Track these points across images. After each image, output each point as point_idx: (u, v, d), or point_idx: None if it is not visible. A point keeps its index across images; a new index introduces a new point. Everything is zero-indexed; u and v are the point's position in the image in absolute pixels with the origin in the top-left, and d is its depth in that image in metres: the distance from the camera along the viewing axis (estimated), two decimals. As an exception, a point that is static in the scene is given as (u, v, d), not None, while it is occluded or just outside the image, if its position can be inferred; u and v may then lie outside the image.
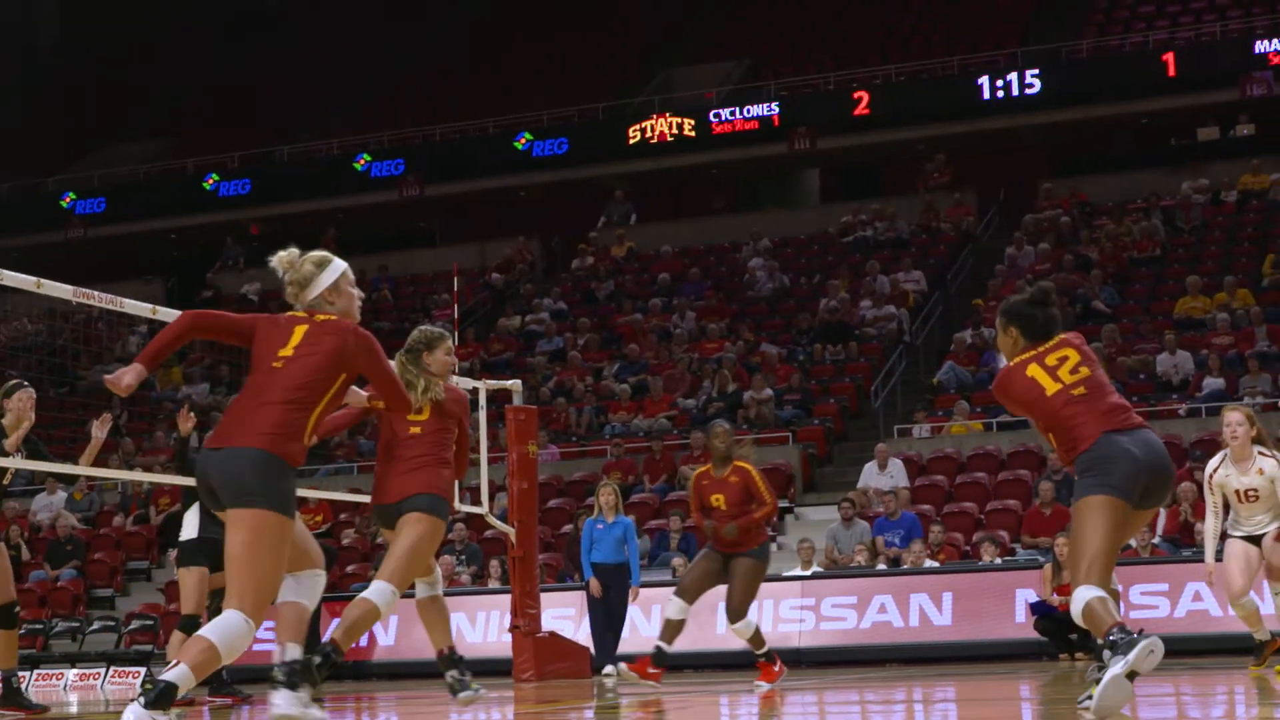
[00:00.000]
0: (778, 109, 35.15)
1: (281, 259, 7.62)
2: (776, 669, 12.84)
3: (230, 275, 38.97)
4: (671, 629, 12.92)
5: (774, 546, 22.30)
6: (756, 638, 12.95)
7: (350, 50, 46.43)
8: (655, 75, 40.80)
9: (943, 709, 8.44)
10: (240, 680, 14.63)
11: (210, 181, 40.07)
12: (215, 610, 14.09)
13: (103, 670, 21.08)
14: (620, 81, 40.63)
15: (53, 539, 25.39)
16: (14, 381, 12.04)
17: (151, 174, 42.13)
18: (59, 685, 20.94)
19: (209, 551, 13.19)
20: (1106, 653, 7.00)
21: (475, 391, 16.82)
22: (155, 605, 23.19)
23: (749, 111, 35.41)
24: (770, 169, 38.00)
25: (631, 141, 35.91)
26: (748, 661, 17.01)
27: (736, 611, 12.75)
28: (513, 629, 16.27)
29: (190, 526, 13.82)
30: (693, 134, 35.62)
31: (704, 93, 37.57)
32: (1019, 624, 17.67)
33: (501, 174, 37.32)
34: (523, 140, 37.11)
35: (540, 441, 18.88)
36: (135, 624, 22.28)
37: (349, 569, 22.70)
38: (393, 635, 19.71)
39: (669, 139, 35.70)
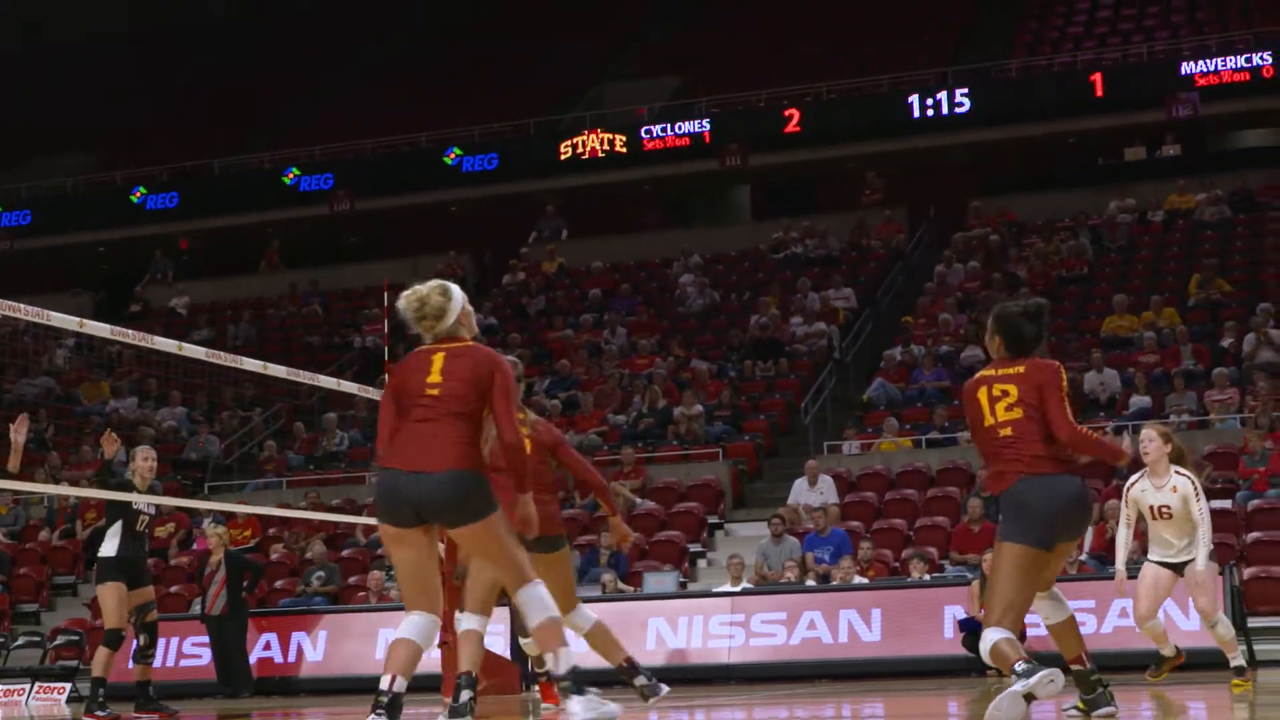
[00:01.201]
0: (709, 125, 35.27)
1: (409, 301, 8.01)
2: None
3: (159, 289, 38.72)
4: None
5: (703, 563, 22.46)
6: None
7: (282, 63, 46.31)
8: (587, 92, 40.87)
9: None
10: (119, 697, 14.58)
11: (138, 195, 39.84)
12: (139, 625, 14.07)
13: (28, 686, 20.87)
14: (552, 98, 40.68)
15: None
16: None
17: (78, 187, 41.82)
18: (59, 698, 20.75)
19: (127, 568, 13.79)
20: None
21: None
22: (81, 620, 22.98)
23: (680, 128, 35.51)
24: (701, 185, 38.10)
25: (563, 157, 35.95)
26: (695, 677, 17.07)
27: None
28: (441, 645, 16.20)
29: (110, 544, 13.87)
30: (624, 150, 35.68)
31: (636, 109, 37.65)
32: (948, 640, 17.75)
33: (431, 189, 37.28)
34: (452, 155, 37.09)
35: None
36: (61, 639, 22.08)
37: (277, 584, 22.59)
38: (321, 651, 19.62)
39: (600, 155, 35.76)
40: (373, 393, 17.52)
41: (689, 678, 17.51)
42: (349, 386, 17.62)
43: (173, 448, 28.67)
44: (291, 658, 19.68)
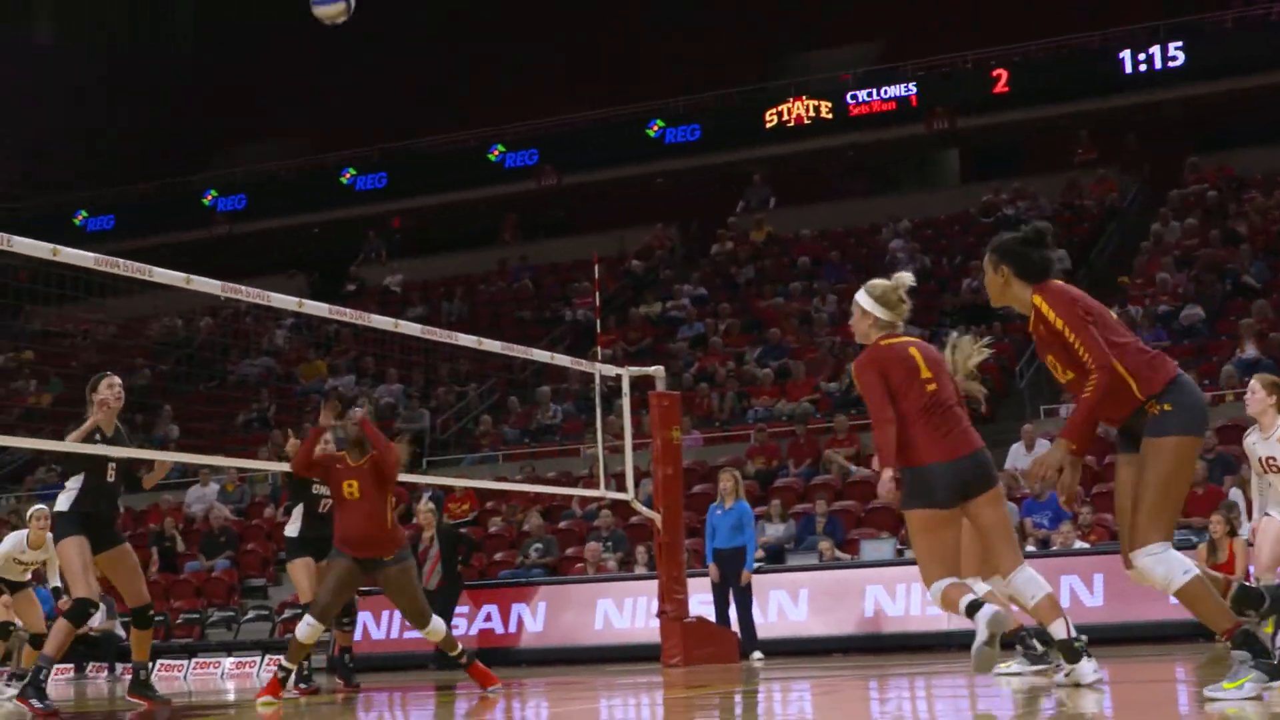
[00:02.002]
0: (915, 89, 34.94)
1: (888, 299, 8.91)
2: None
3: (373, 268, 39.39)
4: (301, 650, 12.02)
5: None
6: (449, 640, 12.35)
7: (484, 41, 46.67)
8: (789, 60, 40.65)
9: (1096, 691, 8.34)
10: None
11: (348, 176, 40.58)
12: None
13: (258, 658, 21.42)
14: (754, 67, 40.51)
15: (206, 530, 25.81)
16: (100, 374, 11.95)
17: (290, 170, 42.66)
18: (216, 673, 21.31)
19: (310, 546, 13.86)
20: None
21: (618, 378, 16.89)
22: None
23: (886, 92, 35.24)
24: (908, 150, 37.74)
25: (768, 125, 35.87)
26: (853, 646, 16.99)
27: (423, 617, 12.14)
28: (660, 614, 16.30)
29: (294, 525, 14.07)
30: (830, 116, 35.52)
31: (840, 75, 37.39)
32: (1172, 605, 17.33)
33: (636, 162, 37.44)
34: (655, 127, 37.21)
35: (684, 427, 18.86)
36: (288, 613, 22.62)
37: (496, 556, 22.85)
38: (540, 621, 19.81)
39: (806, 122, 35.62)
40: (584, 365, 17.64)
41: (907, 645, 17.40)
42: (562, 360, 17.75)
43: (390, 424, 29.14)
44: (512, 628, 19.90)
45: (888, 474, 8.08)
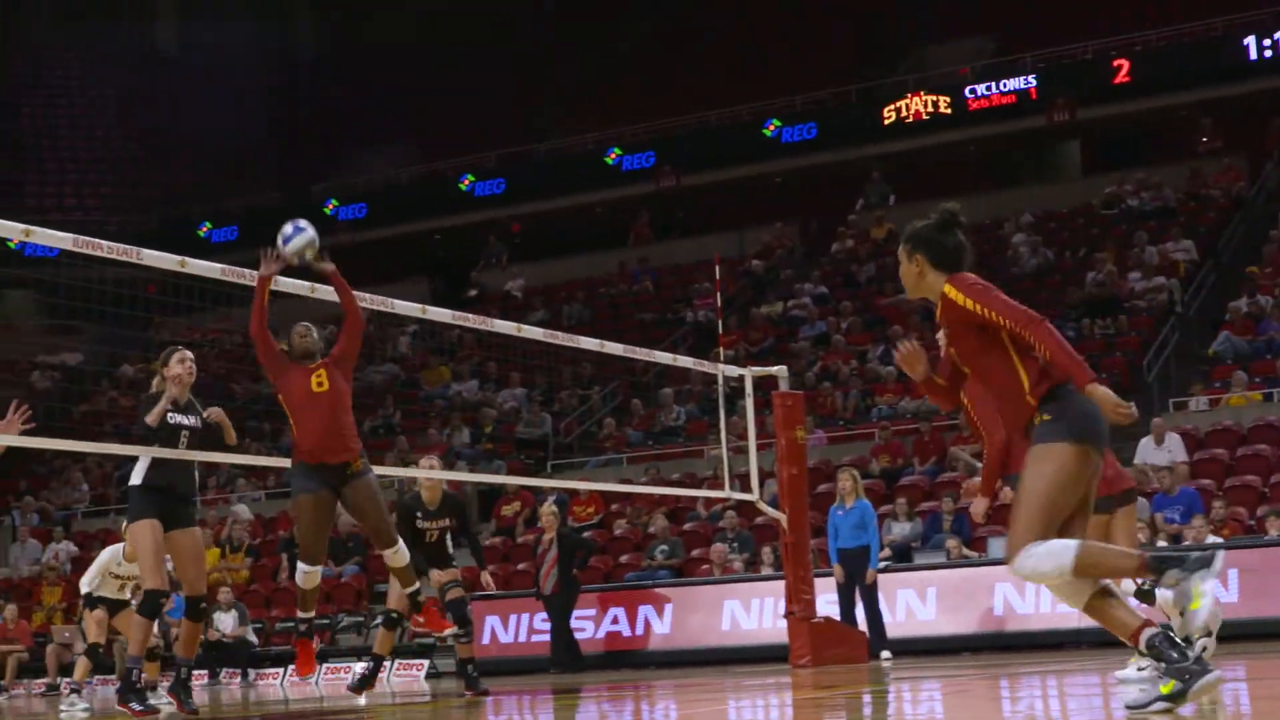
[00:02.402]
0: (1035, 81, 34.65)
1: None
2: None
3: (493, 273, 39.61)
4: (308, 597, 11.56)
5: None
6: (406, 573, 11.82)
7: (599, 44, 46.77)
8: (906, 55, 40.44)
9: (1232, 688, 8.19)
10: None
11: (466, 182, 40.88)
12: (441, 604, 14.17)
13: (388, 663, 21.54)
14: (870, 64, 40.33)
15: (334, 537, 26.04)
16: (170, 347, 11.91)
17: (409, 178, 43.01)
18: (347, 678, 21.47)
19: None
20: None
21: (741, 379, 16.86)
22: (435, 599, 23.60)
23: (1005, 85, 34.98)
24: (1029, 143, 37.40)
25: (886, 122, 35.72)
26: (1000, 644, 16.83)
27: (387, 538, 11.41)
28: (788, 615, 16.26)
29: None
30: (948, 111, 35.32)
31: (958, 69, 37.15)
32: (1310, 599, 17.08)
33: (753, 161, 37.42)
34: (771, 127, 37.16)
35: (807, 426, 18.81)
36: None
37: (622, 559, 22.89)
38: (667, 624, 19.82)
39: (925, 117, 35.46)
40: (707, 366, 17.63)
41: (1037, 643, 17.23)
42: (685, 361, 17.77)
43: (514, 428, 29.31)
44: (639, 631, 19.92)
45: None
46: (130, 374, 36.87)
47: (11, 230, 10.12)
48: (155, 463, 11.39)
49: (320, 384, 11.11)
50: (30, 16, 53.50)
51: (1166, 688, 6.52)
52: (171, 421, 11.50)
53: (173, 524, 11.34)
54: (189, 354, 11.76)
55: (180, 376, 11.52)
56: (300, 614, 11.61)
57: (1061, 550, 6.58)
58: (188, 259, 11.08)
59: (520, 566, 23.08)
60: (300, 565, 11.26)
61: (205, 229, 43.73)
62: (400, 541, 11.48)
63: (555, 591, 19.55)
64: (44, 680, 23.01)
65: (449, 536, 14.23)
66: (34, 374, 36.19)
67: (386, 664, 21.44)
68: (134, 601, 16.31)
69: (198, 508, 11.67)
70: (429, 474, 14.26)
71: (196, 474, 11.84)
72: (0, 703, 17.06)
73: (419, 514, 13.74)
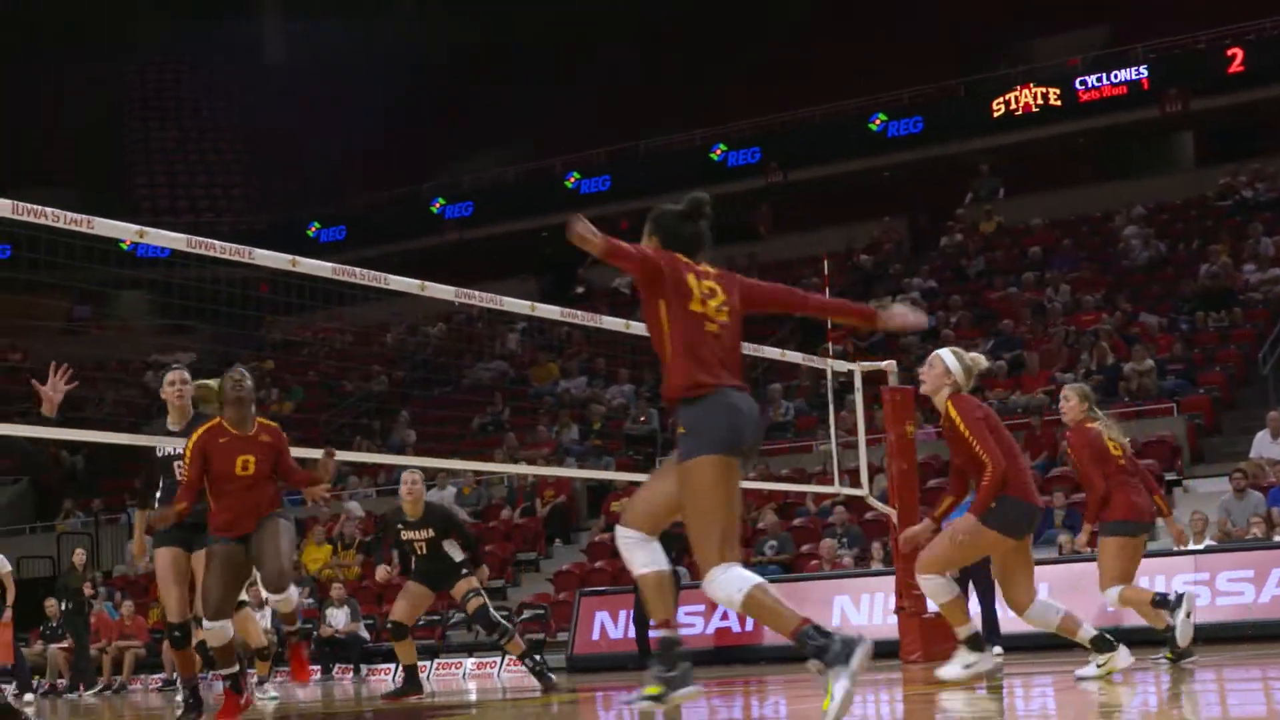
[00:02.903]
0: (1146, 72, 34.26)
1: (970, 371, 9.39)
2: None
3: (601, 270, 39.65)
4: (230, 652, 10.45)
5: (1161, 521, 21.79)
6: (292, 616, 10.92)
7: (698, 39, 46.74)
8: (1014, 47, 40.10)
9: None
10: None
11: (572, 180, 40.99)
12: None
13: (498, 659, 21.67)
14: (977, 56, 40.02)
15: (445, 533, 26.17)
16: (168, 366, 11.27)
17: (515, 176, 43.20)
18: (458, 674, 21.62)
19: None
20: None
21: (850, 374, 16.79)
22: (545, 595, 23.74)
23: (1116, 76, 34.61)
24: (1140, 134, 36.99)
25: (995, 115, 35.45)
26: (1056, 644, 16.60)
27: (277, 582, 10.10)
28: (898, 610, 16.18)
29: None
30: (1058, 103, 35.00)
31: (1067, 60, 36.80)
32: None
33: (859, 156, 37.28)
34: (877, 121, 37.00)
35: (917, 421, 18.69)
36: (527, 613, 22.86)
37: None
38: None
39: (1034, 110, 35.16)
40: (816, 362, 17.58)
41: (1153, 639, 17.00)
42: (793, 356, 17.72)
43: (622, 424, 29.35)
44: (749, 627, 19.88)
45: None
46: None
47: (126, 231, 10.25)
48: (164, 493, 10.76)
49: (246, 469, 10.02)
50: (141, 24, 54.34)
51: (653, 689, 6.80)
52: (160, 454, 10.84)
53: (197, 545, 10.52)
54: (180, 374, 10.95)
55: (170, 399, 10.82)
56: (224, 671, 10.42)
57: (733, 587, 6.66)
58: (299, 258, 11.18)
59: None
60: (206, 623, 10.11)
61: (314, 229, 44.13)
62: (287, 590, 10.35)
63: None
64: (160, 676, 23.31)
65: (444, 547, 14.04)
66: (148, 374, 36.64)
67: (499, 659, 21.59)
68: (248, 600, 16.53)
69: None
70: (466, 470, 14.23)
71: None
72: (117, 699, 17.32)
73: (400, 525, 13.80)
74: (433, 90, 50.52)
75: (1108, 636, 10.80)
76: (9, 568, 20.41)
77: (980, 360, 10.81)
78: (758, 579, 6.70)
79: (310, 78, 53.10)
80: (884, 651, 16.90)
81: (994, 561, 10.79)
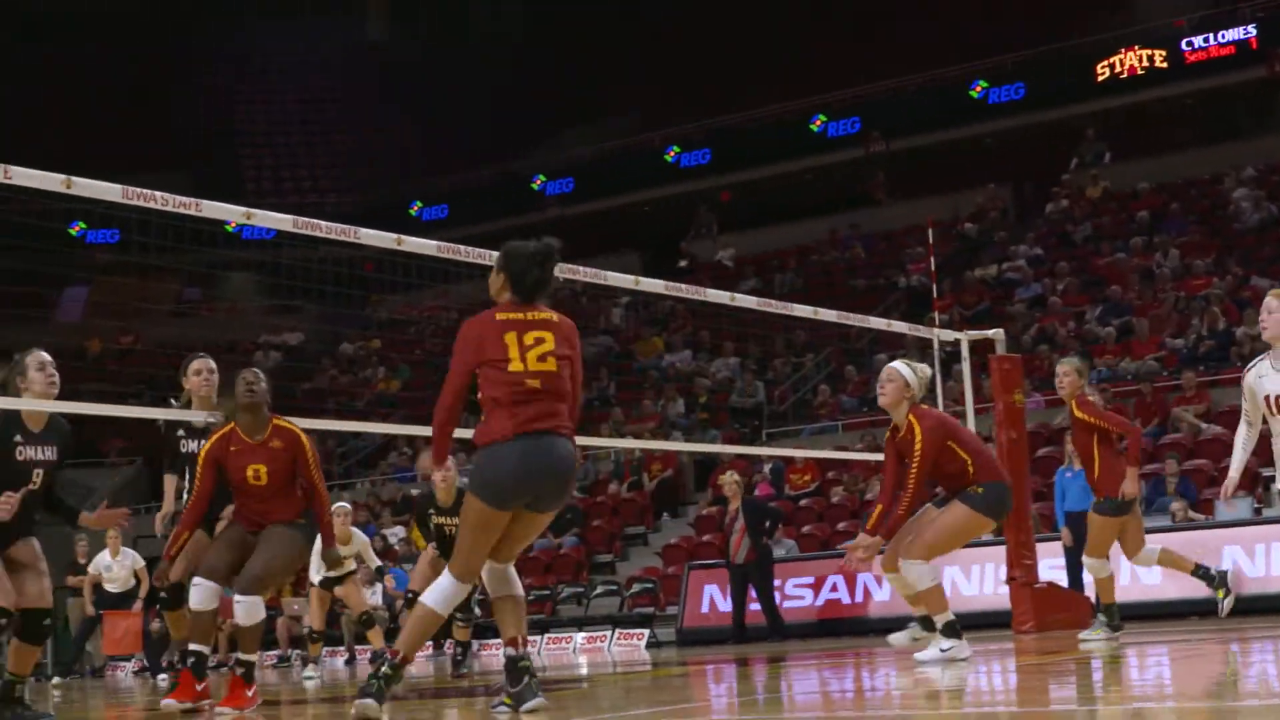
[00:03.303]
0: (1255, 31, 33.76)
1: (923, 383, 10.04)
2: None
3: (704, 243, 39.64)
4: (208, 622, 9.83)
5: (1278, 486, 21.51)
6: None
7: (802, 11, 46.51)
8: (1118, 10, 39.61)
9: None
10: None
11: (672, 154, 40.95)
12: None
13: (608, 633, 21.76)
14: (1078, 20, 39.54)
15: (550, 508, 26.26)
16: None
17: (616, 151, 43.22)
18: (568, 648, 21.71)
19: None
20: None
21: (956, 343, 16.68)
22: (654, 569, 23.78)
23: (1224, 37, 34.11)
24: (1249, 95, 36.41)
25: (1100, 78, 35.04)
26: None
27: (253, 582, 9.56)
28: (1009, 580, 16.06)
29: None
30: (1165, 65, 34.54)
31: (1173, 21, 36.30)
32: None
33: (961, 124, 37.01)
34: (978, 88, 36.70)
35: (1025, 390, 18.54)
36: (636, 587, 22.92)
37: (839, 526, 22.80)
38: (886, 590, 19.69)
39: (1140, 72, 34.72)
40: (922, 331, 17.47)
41: (1271, 608, 16.81)
42: (899, 326, 17.62)
43: (728, 398, 29.35)
44: (859, 598, 19.85)
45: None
46: (350, 351, 37.59)
47: (233, 214, 10.35)
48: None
49: (257, 478, 9.68)
50: (245, 10, 54.86)
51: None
52: (184, 451, 10.56)
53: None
54: (206, 363, 10.64)
55: (195, 388, 10.56)
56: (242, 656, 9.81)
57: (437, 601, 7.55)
58: (404, 236, 11.23)
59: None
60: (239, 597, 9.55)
61: (416, 208, 44.36)
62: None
63: (748, 560, 19.62)
64: (275, 652, 23.57)
65: None
66: (257, 354, 37.02)
67: (608, 633, 21.65)
68: (357, 572, 16.82)
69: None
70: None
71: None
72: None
73: (433, 510, 13.86)
74: (533, 66, 50.59)
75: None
76: (142, 563, 20.75)
77: (928, 370, 11.28)
78: (437, 604, 7.49)
79: (411, 56, 53.34)
80: (996, 622, 16.82)
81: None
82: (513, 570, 7.82)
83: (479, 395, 7.48)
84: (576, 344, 7.70)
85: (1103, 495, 12.40)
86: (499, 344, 7.43)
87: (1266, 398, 9.55)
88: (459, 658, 14.67)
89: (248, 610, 9.46)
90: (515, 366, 7.38)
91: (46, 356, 9.21)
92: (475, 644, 22.16)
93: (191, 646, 9.65)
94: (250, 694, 9.49)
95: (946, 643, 10.58)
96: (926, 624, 10.98)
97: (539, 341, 7.47)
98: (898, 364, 11.22)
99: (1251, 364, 9.85)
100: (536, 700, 7.40)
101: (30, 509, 8.95)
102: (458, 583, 7.53)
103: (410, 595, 14.15)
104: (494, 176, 44.82)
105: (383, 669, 7.47)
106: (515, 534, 7.58)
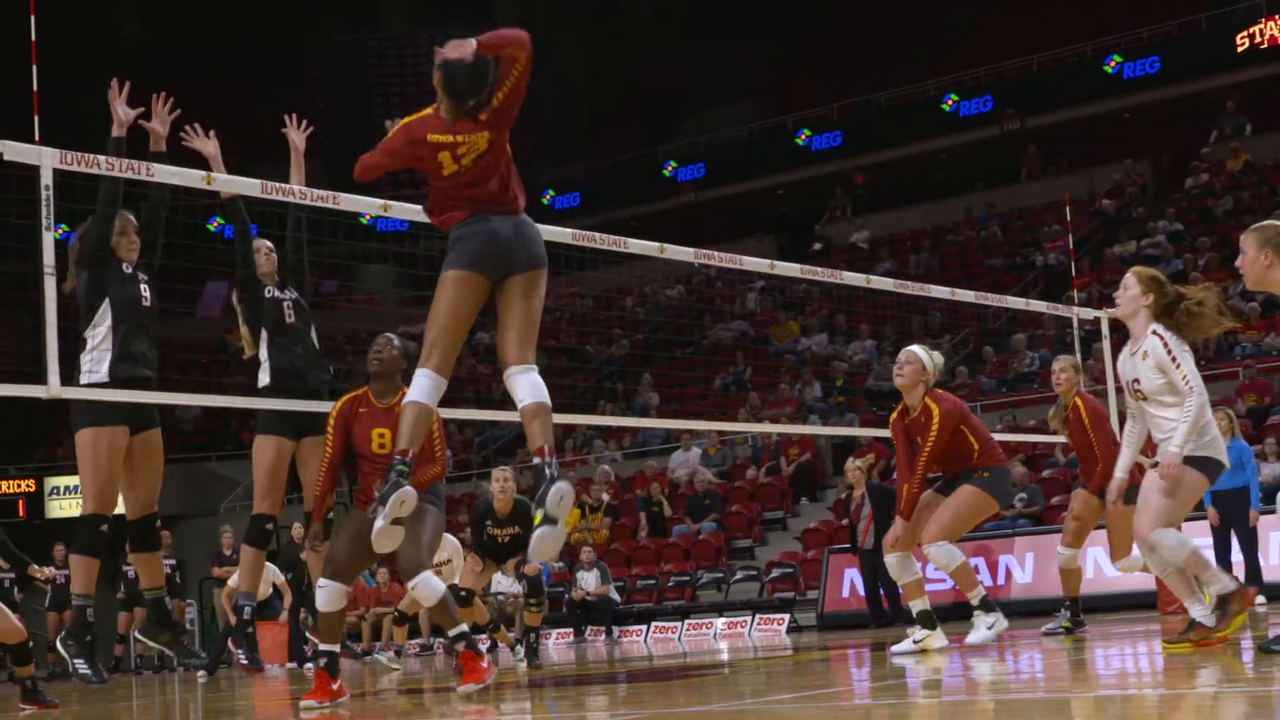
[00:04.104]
0: (1401, -6, 33.08)
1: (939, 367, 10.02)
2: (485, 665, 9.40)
3: (838, 225, 39.50)
4: (336, 622, 9.40)
5: None
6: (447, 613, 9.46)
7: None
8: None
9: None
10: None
11: (803, 137, 40.83)
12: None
13: (748, 618, 21.74)
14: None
15: (691, 494, 26.32)
16: None
17: (745, 135, 43.14)
18: (708, 634, 21.72)
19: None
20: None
21: (1096, 321, 16.48)
22: (794, 554, 23.72)
23: (1368, 1, 33.48)
24: (1395, 60, 35.68)
25: (1239, 49, 34.45)
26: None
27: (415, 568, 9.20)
28: (1157, 562, 15.84)
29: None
30: (1309, 32, 33.94)
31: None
32: None
33: (1095, 100, 36.57)
34: (1112, 63, 36.24)
35: (1168, 367, 18.27)
36: (776, 572, 22.89)
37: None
38: (1029, 572, 19.53)
39: (1281, 42, 34.13)
40: (1061, 310, 17.28)
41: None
42: (1037, 306, 17.45)
43: (865, 380, 29.23)
44: (1000, 580, 19.68)
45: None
46: (486, 341, 37.77)
47: (370, 206, 10.43)
48: (277, 349, 10.23)
49: (383, 445, 9.36)
50: (386, 8, 55.57)
51: None
52: (269, 296, 10.37)
53: (307, 429, 10.02)
54: (264, 243, 10.62)
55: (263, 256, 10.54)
56: (322, 647, 9.46)
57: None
58: (539, 225, 11.27)
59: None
60: (323, 584, 9.28)
61: (548, 196, 44.55)
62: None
63: (876, 547, 19.53)
64: (418, 640, 23.77)
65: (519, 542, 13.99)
66: (395, 345, 37.33)
67: (749, 619, 21.63)
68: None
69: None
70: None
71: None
72: (381, 661, 17.70)
73: (489, 521, 13.83)
74: (662, 52, 50.59)
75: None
76: (283, 577, 20.92)
77: (941, 358, 11.78)
78: (424, 396, 7.55)
79: (540, 44, 53.49)
80: (1142, 603, 16.62)
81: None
82: (535, 374, 7.72)
83: (427, 205, 7.84)
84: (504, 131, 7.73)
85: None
86: (434, 161, 7.63)
87: (1128, 383, 9.11)
88: (534, 644, 14.34)
89: (426, 590, 9.21)
90: (449, 169, 7.61)
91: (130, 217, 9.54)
92: (684, 623, 22.31)
93: (322, 647, 9.45)
94: (485, 665, 9.18)
95: (989, 617, 11.21)
96: (926, 620, 11.31)
97: (470, 149, 7.60)
98: (916, 348, 11.64)
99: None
100: (559, 485, 7.26)
101: None
102: (436, 375, 7.64)
103: (464, 593, 14.00)
104: (625, 163, 44.90)
105: (396, 468, 7.51)
106: (512, 308, 7.73)
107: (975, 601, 11.37)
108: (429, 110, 7.72)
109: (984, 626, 11.27)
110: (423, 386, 7.58)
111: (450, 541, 17.34)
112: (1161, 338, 8.91)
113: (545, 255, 7.84)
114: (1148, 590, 16.24)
